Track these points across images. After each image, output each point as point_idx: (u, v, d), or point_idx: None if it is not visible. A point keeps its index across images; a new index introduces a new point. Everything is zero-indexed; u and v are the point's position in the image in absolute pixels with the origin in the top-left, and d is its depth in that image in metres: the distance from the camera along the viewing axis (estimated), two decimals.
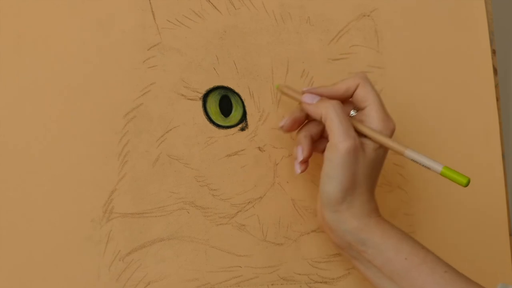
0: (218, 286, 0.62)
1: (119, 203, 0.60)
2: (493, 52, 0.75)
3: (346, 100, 0.62)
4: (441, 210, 0.70)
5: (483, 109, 0.74)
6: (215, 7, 0.66)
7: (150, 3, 0.64)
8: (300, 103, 0.62)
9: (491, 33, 0.75)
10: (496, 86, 0.74)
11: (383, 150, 0.60)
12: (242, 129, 0.65)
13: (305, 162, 0.61)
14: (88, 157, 0.60)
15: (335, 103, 0.59)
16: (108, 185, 0.60)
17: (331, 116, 0.58)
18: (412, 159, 0.58)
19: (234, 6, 0.66)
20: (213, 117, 0.64)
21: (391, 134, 0.60)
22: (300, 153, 0.61)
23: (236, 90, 0.65)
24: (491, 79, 0.74)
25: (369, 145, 0.59)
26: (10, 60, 0.60)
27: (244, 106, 0.65)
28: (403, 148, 0.58)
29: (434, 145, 0.72)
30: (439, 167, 0.56)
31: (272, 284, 0.64)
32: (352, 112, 0.62)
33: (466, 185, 0.55)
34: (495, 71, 0.74)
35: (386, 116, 0.60)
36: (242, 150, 0.64)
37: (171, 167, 0.62)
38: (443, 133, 0.72)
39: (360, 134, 0.59)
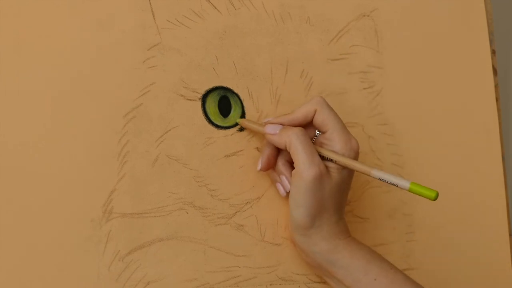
0: (217, 286, 0.62)
1: (119, 203, 0.61)
2: (493, 52, 0.74)
3: (308, 125, 0.62)
4: (440, 210, 0.70)
5: (483, 110, 0.73)
6: (215, 7, 0.66)
7: (150, 3, 0.64)
8: (264, 134, 0.62)
9: (490, 33, 0.75)
10: (496, 86, 0.74)
11: (348, 171, 0.60)
12: (241, 130, 0.65)
13: None
14: (88, 157, 0.60)
15: (297, 130, 0.59)
16: (108, 185, 0.61)
17: (294, 144, 0.58)
18: (379, 178, 0.58)
19: (234, 6, 0.66)
20: (212, 118, 0.64)
21: (355, 155, 0.60)
22: (287, 183, 0.62)
23: (235, 91, 0.65)
24: (490, 79, 0.74)
25: (334, 168, 0.59)
26: (10, 60, 0.60)
27: (243, 107, 0.65)
28: (369, 169, 0.58)
29: (434, 145, 0.71)
30: (406, 184, 0.56)
31: (270, 284, 0.64)
32: (318, 133, 0.62)
33: (435, 198, 0.55)
34: (494, 71, 0.74)
35: (348, 137, 0.60)
36: (240, 151, 0.64)
37: (170, 167, 0.62)
38: (443, 133, 0.72)
39: (324, 157, 0.59)
